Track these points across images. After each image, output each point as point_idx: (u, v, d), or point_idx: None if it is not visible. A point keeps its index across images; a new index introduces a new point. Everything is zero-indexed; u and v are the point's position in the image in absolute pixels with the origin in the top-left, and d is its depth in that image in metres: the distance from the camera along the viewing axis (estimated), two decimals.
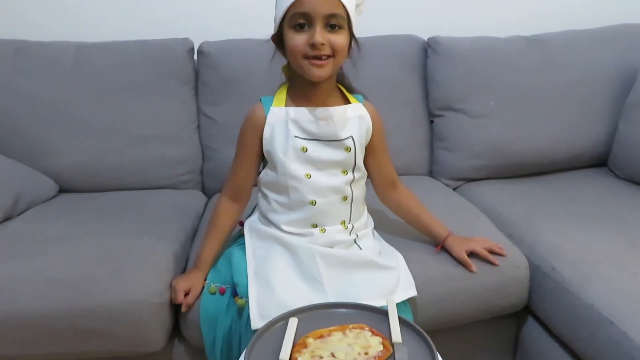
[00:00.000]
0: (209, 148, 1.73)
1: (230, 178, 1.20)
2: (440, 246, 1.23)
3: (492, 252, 1.22)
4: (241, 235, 1.22)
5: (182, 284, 1.12)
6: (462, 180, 1.75)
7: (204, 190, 1.76)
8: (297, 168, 1.11)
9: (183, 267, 1.27)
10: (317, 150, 1.12)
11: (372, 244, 1.18)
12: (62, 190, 1.64)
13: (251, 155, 1.15)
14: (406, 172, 1.72)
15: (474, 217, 1.44)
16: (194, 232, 1.45)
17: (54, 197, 1.60)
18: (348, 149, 1.13)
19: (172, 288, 1.13)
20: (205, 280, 1.15)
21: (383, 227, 1.30)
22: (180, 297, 1.11)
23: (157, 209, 1.50)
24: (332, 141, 1.12)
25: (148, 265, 1.19)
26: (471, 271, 1.19)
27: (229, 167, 1.22)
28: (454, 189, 1.72)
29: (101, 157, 1.63)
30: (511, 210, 1.47)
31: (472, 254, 1.21)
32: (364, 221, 1.22)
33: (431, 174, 1.81)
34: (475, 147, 1.70)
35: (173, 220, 1.44)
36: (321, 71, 1.05)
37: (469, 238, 1.23)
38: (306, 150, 1.11)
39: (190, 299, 1.11)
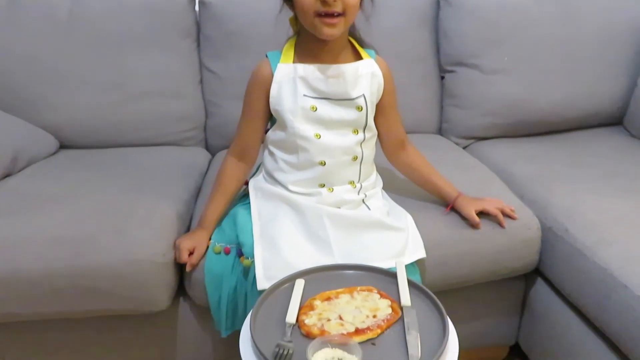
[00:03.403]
0: (213, 104, 1.69)
1: (237, 137, 1.16)
2: (450, 207, 1.20)
3: (503, 213, 1.18)
4: (246, 194, 1.19)
5: (186, 243, 1.09)
6: (473, 138, 1.70)
7: (207, 148, 1.73)
8: (306, 128, 1.07)
9: (187, 226, 1.25)
10: (327, 110, 1.07)
11: (380, 204, 1.15)
12: (63, 146, 1.61)
13: (258, 113, 1.11)
14: (415, 130, 1.68)
15: (484, 177, 1.40)
16: (198, 191, 1.42)
17: (54, 153, 1.57)
18: (359, 108, 1.08)
19: (176, 247, 1.11)
20: (210, 239, 1.12)
21: (391, 187, 1.27)
22: (184, 257, 1.08)
23: (160, 167, 1.47)
24: (343, 100, 1.08)
25: (151, 225, 1.16)
26: (477, 228, 1.16)
27: (233, 123, 1.19)
28: (464, 148, 1.67)
29: (101, 113, 1.59)
30: (523, 170, 1.43)
31: (482, 214, 1.18)
32: (373, 181, 1.18)
33: (440, 132, 1.76)
34: (486, 104, 1.65)
35: (176, 178, 1.41)
36: (333, 30, 1.00)
37: (480, 198, 1.20)
38: (316, 110, 1.06)
39: (194, 258, 1.09)
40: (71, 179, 1.36)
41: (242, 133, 1.15)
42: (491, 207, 1.17)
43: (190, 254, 1.10)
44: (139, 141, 1.63)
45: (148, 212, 1.20)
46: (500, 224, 1.17)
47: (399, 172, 1.27)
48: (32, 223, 1.15)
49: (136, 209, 1.20)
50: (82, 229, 1.13)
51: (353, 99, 1.08)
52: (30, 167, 1.45)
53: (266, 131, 1.16)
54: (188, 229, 1.24)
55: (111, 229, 1.14)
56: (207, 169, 1.56)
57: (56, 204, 1.22)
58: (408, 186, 1.27)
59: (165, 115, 1.64)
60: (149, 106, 1.61)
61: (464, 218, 1.18)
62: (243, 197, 1.19)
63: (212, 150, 1.71)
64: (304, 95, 1.06)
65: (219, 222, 1.16)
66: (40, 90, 1.57)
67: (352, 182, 1.12)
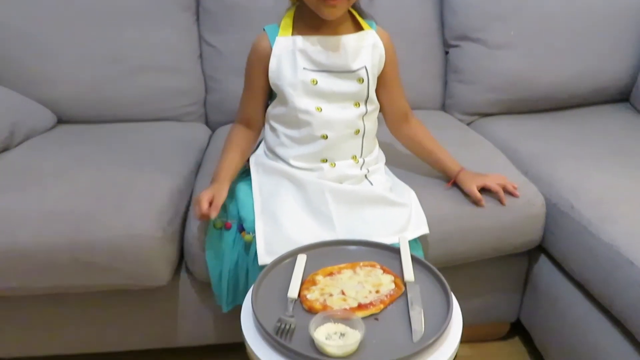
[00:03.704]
0: (213, 79, 1.65)
1: (240, 111, 1.16)
2: (452, 182, 1.18)
3: (505, 190, 1.16)
4: (247, 170, 1.17)
5: (205, 193, 1.02)
6: (477, 115, 1.67)
7: (207, 123, 1.70)
8: (307, 102, 1.05)
9: (187, 201, 1.23)
10: (327, 82, 1.05)
11: (383, 180, 1.13)
12: (61, 121, 1.59)
13: (258, 88, 1.10)
14: (418, 106, 1.64)
15: (488, 153, 1.38)
16: (198, 166, 1.40)
17: (52, 127, 1.55)
18: (361, 80, 1.06)
19: (195, 202, 1.04)
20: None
21: (394, 163, 1.25)
22: (204, 206, 1.00)
23: (159, 142, 1.45)
24: (343, 72, 1.06)
25: (151, 200, 1.15)
26: (480, 206, 1.14)
27: (233, 99, 1.18)
28: (468, 124, 1.65)
29: (99, 87, 1.56)
30: (528, 147, 1.41)
31: (484, 191, 1.16)
32: (375, 156, 1.16)
33: (444, 108, 1.74)
34: (491, 80, 1.61)
35: (176, 153, 1.39)
36: (334, 10, 0.98)
37: (482, 173, 1.18)
38: (316, 83, 1.04)
39: (213, 208, 1.00)
40: (69, 154, 1.34)
41: (244, 107, 1.15)
42: (493, 183, 1.15)
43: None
44: (138, 116, 1.60)
45: (147, 187, 1.18)
46: (501, 201, 1.15)
47: (401, 147, 1.25)
48: (30, 197, 1.13)
49: (135, 184, 1.19)
50: (80, 204, 1.12)
51: (354, 71, 1.06)
52: (28, 141, 1.43)
53: (266, 106, 1.14)
54: (188, 205, 1.22)
55: (110, 203, 1.12)
56: (208, 145, 1.54)
57: (54, 179, 1.20)
58: (411, 161, 1.25)
59: (164, 90, 1.61)
60: (148, 81, 1.58)
61: (466, 194, 1.16)
62: (244, 173, 1.17)
63: (212, 126, 1.68)
64: (304, 68, 1.04)
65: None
66: (37, 64, 1.54)
67: (354, 157, 1.11)
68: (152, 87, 1.59)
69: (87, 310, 1.22)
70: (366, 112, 1.09)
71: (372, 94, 1.09)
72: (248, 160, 1.18)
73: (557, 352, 1.20)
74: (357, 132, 1.09)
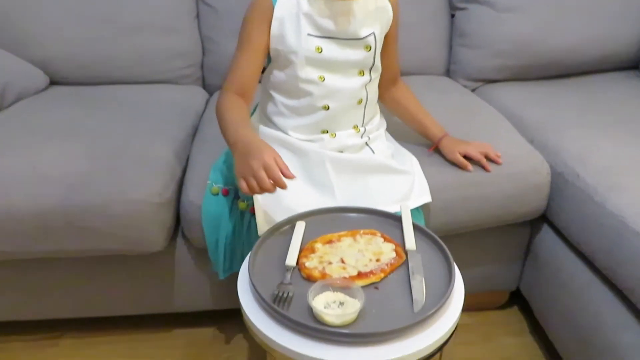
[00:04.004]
0: (210, 40, 1.60)
1: (232, 75, 1.01)
2: (434, 147, 1.16)
3: (487, 158, 1.13)
4: None
5: (267, 156, 0.81)
6: (482, 81, 1.63)
7: (204, 86, 1.66)
8: (309, 71, 0.99)
9: (183, 166, 1.20)
10: (333, 51, 0.98)
11: (384, 147, 1.10)
12: (53, 82, 1.55)
13: (257, 49, 0.99)
14: (421, 72, 1.61)
15: (493, 121, 1.35)
16: (194, 130, 1.37)
17: (44, 89, 1.51)
18: (368, 48, 1.00)
19: (257, 169, 0.80)
20: (208, 180, 1.07)
21: (395, 129, 1.21)
22: (277, 172, 0.80)
23: (155, 105, 1.41)
24: (351, 40, 0.99)
25: (146, 164, 1.12)
26: (467, 171, 1.11)
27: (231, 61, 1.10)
28: (473, 91, 1.61)
29: (91, 48, 1.52)
30: (534, 115, 1.37)
31: (469, 159, 1.13)
32: (377, 122, 1.12)
33: (448, 74, 1.69)
34: (498, 45, 1.57)
35: (172, 117, 1.35)
36: None
37: (465, 141, 1.15)
38: (321, 52, 0.98)
39: (284, 169, 0.82)
40: (62, 116, 1.30)
41: (238, 70, 1.00)
42: (474, 151, 1.12)
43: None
44: (132, 78, 1.56)
45: (143, 151, 1.15)
46: (485, 169, 1.12)
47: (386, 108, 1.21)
48: (22, 160, 1.10)
49: (130, 148, 1.16)
50: (74, 167, 1.09)
51: (362, 38, 0.99)
52: (19, 102, 1.40)
53: (263, 70, 1.07)
54: (184, 170, 1.19)
55: (104, 167, 1.09)
56: (205, 109, 1.50)
57: (47, 141, 1.17)
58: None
59: (159, 52, 1.56)
60: (142, 41, 1.54)
61: (449, 161, 1.14)
62: None
63: (209, 89, 1.64)
64: (309, 34, 0.97)
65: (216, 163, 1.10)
66: (28, 24, 1.49)
67: (355, 127, 1.06)
68: (146, 48, 1.54)
69: (83, 275, 1.21)
70: (370, 80, 1.04)
71: (378, 62, 1.04)
72: None
73: (556, 321, 1.20)
74: (360, 101, 1.05)
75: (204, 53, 1.62)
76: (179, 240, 1.19)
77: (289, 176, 0.81)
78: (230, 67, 1.02)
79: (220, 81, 1.58)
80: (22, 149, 1.14)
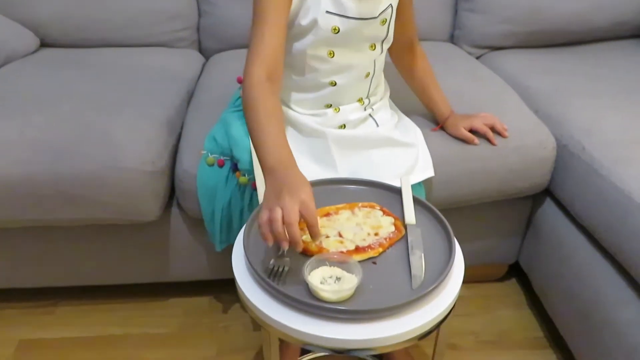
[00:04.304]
0: (206, 1, 1.55)
1: (259, 52, 0.84)
2: (440, 126, 1.12)
3: (493, 130, 1.10)
4: (239, 98, 1.06)
5: (291, 210, 0.67)
6: (487, 48, 1.59)
7: (200, 50, 1.61)
8: (320, 48, 0.92)
9: (177, 133, 1.17)
10: (349, 30, 0.91)
11: (388, 117, 1.06)
12: (44, 44, 1.50)
13: (281, 23, 0.86)
14: (424, 37, 1.52)
15: (498, 90, 1.30)
16: (190, 96, 1.33)
17: (34, 51, 1.47)
18: (384, 22, 0.94)
19: (272, 222, 0.67)
20: (203, 150, 1.03)
21: (397, 98, 1.16)
22: (297, 233, 0.67)
23: (149, 69, 1.37)
24: (369, 19, 0.92)
25: (139, 131, 1.08)
26: (474, 144, 1.08)
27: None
28: (477, 58, 1.57)
29: (83, 9, 1.47)
30: (540, 83, 1.33)
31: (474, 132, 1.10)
32: (382, 91, 1.08)
33: (453, 40, 1.64)
34: (505, 10, 1.51)
35: (167, 81, 1.31)
36: None
37: (470, 115, 1.11)
38: (337, 32, 0.90)
39: (313, 235, 0.70)
40: (52, 79, 1.26)
41: (266, 46, 0.84)
42: (480, 124, 1.09)
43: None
44: (126, 41, 1.52)
45: (135, 117, 1.12)
46: (490, 142, 1.09)
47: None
48: (10, 125, 1.07)
49: (122, 114, 1.12)
50: (64, 133, 1.06)
51: (379, 16, 0.92)
52: (8, 65, 1.36)
53: None
54: (179, 137, 1.16)
55: (95, 133, 1.06)
56: (201, 73, 1.46)
57: (36, 105, 1.13)
58: (417, 98, 1.17)
59: (154, 13, 1.51)
60: (135, 2, 1.49)
61: (454, 137, 1.11)
62: (237, 99, 1.06)
63: (205, 53, 1.59)
64: (327, 12, 0.88)
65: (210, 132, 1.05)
66: None
67: (360, 100, 1.02)
68: (140, 9, 1.49)
69: (78, 243, 1.19)
70: (381, 52, 0.99)
71: (392, 33, 0.97)
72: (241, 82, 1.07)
73: (555, 295, 1.19)
74: (367, 75, 1.00)
75: (200, 15, 1.57)
76: (174, 210, 1.16)
77: (315, 235, 0.69)
78: (253, 45, 0.86)
79: (217, 44, 1.56)
80: (10, 113, 1.10)
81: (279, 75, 0.87)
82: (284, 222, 0.66)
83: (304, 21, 0.89)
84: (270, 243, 0.67)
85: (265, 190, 0.72)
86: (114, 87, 1.23)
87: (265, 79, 0.83)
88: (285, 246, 0.67)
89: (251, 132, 0.80)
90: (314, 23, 0.89)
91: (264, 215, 0.68)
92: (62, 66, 1.36)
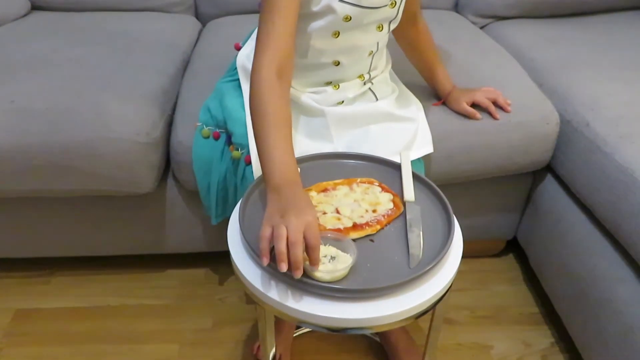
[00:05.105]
0: None
1: (271, 44, 0.78)
2: (442, 102, 1.10)
3: (496, 104, 1.08)
4: (235, 69, 1.02)
5: (296, 229, 0.63)
6: (491, 17, 1.55)
7: (197, 16, 1.57)
8: (326, 33, 0.88)
9: (173, 103, 1.14)
10: (361, 18, 0.87)
11: (389, 89, 1.02)
12: (35, 7, 1.45)
13: (294, 12, 0.80)
14: (427, 5, 1.52)
15: (502, 61, 1.27)
16: (185, 65, 1.29)
17: (25, 14, 1.42)
18: (393, 5, 0.89)
19: (280, 247, 0.63)
20: (198, 122, 1.00)
21: (397, 70, 1.13)
22: (300, 256, 0.63)
23: (143, 35, 1.33)
24: (382, 7, 0.88)
25: (133, 100, 1.06)
26: (476, 119, 1.07)
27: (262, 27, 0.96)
28: (481, 28, 1.53)
29: None
30: (545, 55, 1.30)
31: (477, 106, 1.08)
32: (383, 65, 1.04)
33: (456, 8, 1.60)
34: None
35: (161, 48, 1.28)
36: None
37: (472, 89, 1.09)
38: (349, 20, 0.86)
39: (313, 261, 0.65)
40: (43, 45, 1.22)
41: (278, 39, 0.79)
42: (482, 98, 1.07)
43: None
44: (119, 5, 1.47)
45: (129, 86, 1.09)
46: (493, 116, 1.07)
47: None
48: (0, 93, 1.04)
49: (116, 82, 1.09)
50: (56, 101, 1.03)
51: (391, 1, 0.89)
52: None
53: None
54: (174, 108, 1.13)
55: (88, 102, 1.03)
56: (197, 40, 1.42)
57: (27, 72, 1.10)
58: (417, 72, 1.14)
59: None
60: None
61: (455, 112, 1.09)
62: (233, 70, 1.03)
63: (202, 19, 1.55)
64: (340, 0, 0.84)
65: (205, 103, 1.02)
66: None
67: (361, 76, 0.98)
68: None
69: (74, 214, 1.18)
70: (388, 31, 0.95)
71: (401, 12, 0.93)
72: (239, 49, 1.02)
73: (552, 272, 1.18)
74: (370, 53, 0.96)
75: None
76: (170, 182, 1.15)
77: (314, 260, 0.65)
78: (263, 34, 0.80)
79: (214, 10, 1.52)
80: (1, 80, 1.07)
81: (290, 68, 0.82)
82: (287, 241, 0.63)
83: (316, 8, 0.84)
84: (266, 262, 0.64)
85: (268, 207, 0.69)
86: (107, 54, 1.20)
87: (276, 75, 0.78)
88: (284, 268, 0.63)
89: (257, 139, 0.76)
90: (326, 10, 0.84)
91: (266, 231, 0.65)
92: (53, 31, 1.32)
